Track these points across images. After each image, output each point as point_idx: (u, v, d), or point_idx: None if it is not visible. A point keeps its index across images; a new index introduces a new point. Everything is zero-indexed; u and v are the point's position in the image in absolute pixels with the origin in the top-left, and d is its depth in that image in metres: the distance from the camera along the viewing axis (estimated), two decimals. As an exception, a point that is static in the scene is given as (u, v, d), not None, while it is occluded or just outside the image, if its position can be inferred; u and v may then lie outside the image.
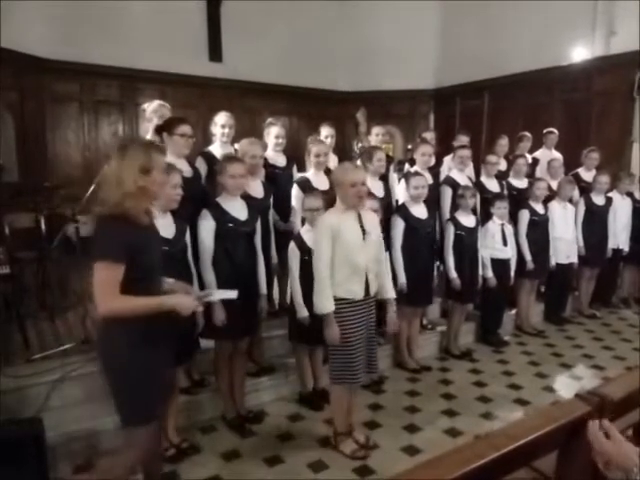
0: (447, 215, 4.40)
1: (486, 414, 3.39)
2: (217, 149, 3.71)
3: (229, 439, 3.06)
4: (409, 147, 6.27)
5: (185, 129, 3.17)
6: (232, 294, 2.27)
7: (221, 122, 3.74)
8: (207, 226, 2.84)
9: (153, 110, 3.75)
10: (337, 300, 2.73)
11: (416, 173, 3.98)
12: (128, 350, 1.96)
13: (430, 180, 4.16)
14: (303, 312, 3.19)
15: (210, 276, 2.85)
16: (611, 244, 5.45)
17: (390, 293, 2.96)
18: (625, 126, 6.86)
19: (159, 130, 3.20)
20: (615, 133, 6.91)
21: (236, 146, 4.35)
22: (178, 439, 2.89)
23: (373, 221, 2.84)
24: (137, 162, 1.91)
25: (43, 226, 4.31)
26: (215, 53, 8.25)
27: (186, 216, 2.93)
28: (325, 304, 2.71)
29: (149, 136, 3.61)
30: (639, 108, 6.68)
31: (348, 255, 2.69)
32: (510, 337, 4.84)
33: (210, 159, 3.58)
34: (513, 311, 5.04)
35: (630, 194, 5.70)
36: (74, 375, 3.10)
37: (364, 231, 2.73)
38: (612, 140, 6.84)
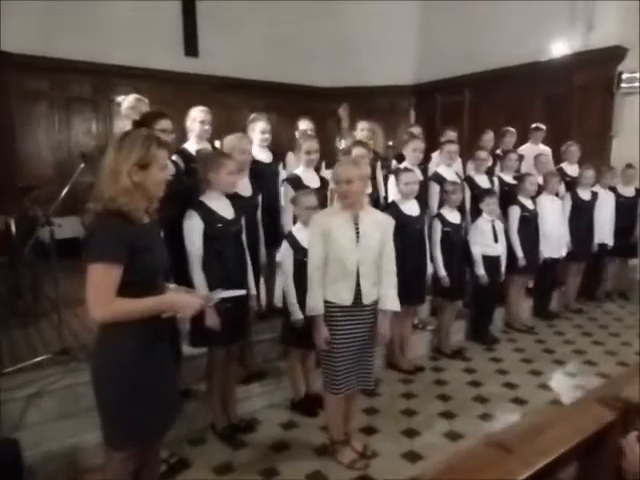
0: (435, 212, 4.31)
1: (484, 415, 3.30)
2: (193, 146, 3.50)
3: (220, 451, 2.90)
4: (390, 143, 6.16)
5: (165, 124, 2.99)
6: (240, 292, 2.15)
7: (200, 118, 3.51)
8: (195, 227, 2.67)
9: (130, 106, 3.52)
10: (325, 303, 2.60)
11: (406, 169, 3.87)
12: (127, 363, 1.78)
13: (420, 176, 4.06)
14: (297, 314, 3.05)
15: (200, 280, 2.68)
16: (597, 239, 5.46)
17: (388, 305, 2.70)
18: (605, 121, 6.91)
19: (137, 125, 3.00)
20: (595, 128, 6.96)
21: (217, 143, 4.19)
22: (166, 453, 2.71)
23: (375, 225, 2.65)
24: (134, 155, 1.74)
25: (14, 229, 4.08)
26: (191, 48, 8.02)
27: (167, 217, 2.76)
28: (314, 306, 2.60)
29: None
30: (620, 103, 6.74)
31: (338, 257, 2.56)
32: (500, 334, 4.79)
33: (186, 157, 3.39)
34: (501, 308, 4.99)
35: (613, 188, 5.73)
36: (52, 389, 2.89)
37: (358, 234, 2.58)
38: (592, 135, 6.88)
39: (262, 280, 3.77)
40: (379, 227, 2.67)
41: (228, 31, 8.06)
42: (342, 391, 2.64)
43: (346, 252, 2.55)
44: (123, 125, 3.63)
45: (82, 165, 3.29)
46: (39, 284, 4.27)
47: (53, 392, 2.90)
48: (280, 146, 4.39)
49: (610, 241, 5.58)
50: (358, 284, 2.58)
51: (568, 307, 5.54)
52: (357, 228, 2.58)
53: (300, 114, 5.97)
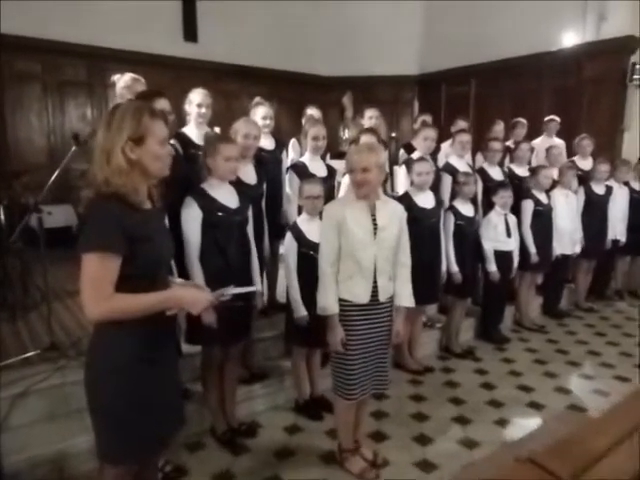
0: (447, 204, 4.10)
1: (500, 421, 3.11)
2: (192, 130, 3.26)
3: (220, 457, 2.70)
4: (393, 135, 5.95)
5: (163, 104, 2.77)
6: (252, 288, 2.01)
7: (197, 101, 3.28)
8: (193, 216, 2.45)
9: (125, 85, 3.28)
10: (339, 301, 2.39)
11: (420, 159, 3.66)
12: (125, 367, 1.57)
13: (433, 166, 3.86)
14: (301, 311, 2.86)
15: (198, 273, 2.47)
16: (610, 235, 5.28)
17: (404, 301, 2.53)
18: (616, 114, 6.71)
19: (131, 104, 2.78)
20: (606, 121, 6.76)
21: (216, 129, 3.97)
22: (161, 461, 2.51)
23: (392, 216, 2.45)
24: (125, 128, 1.52)
25: (2, 216, 3.87)
26: (190, 33, 7.78)
27: (166, 205, 2.54)
28: (327, 304, 2.37)
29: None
30: (632, 95, 6.55)
31: (353, 251, 2.35)
32: (509, 333, 4.61)
33: (185, 142, 3.18)
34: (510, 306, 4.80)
35: (626, 183, 5.54)
36: (39, 388, 2.68)
37: (376, 226, 2.37)
38: (603, 128, 6.67)
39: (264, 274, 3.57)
40: (396, 218, 2.47)
41: (228, 17, 7.82)
42: (357, 397, 2.44)
43: (362, 246, 2.34)
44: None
45: (74, 148, 3.07)
46: (29, 274, 4.06)
47: (40, 392, 2.69)
48: (279, 135, 4.18)
49: (623, 237, 5.40)
50: (374, 280, 2.38)
51: (578, 305, 5.36)
52: (374, 220, 2.37)
53: (301, 103, 5.75)
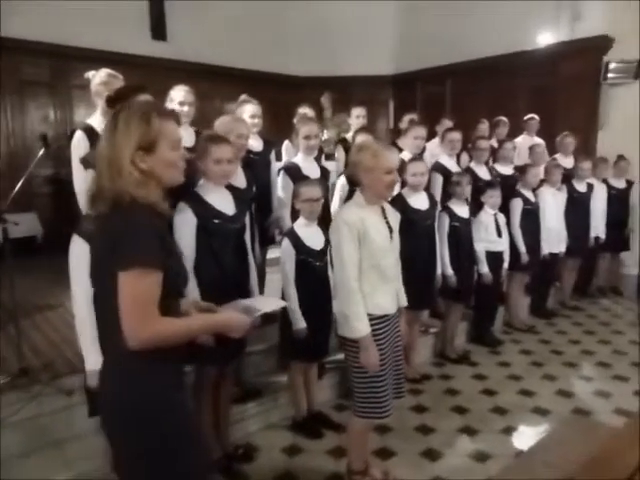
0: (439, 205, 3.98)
1: (508, 429, 2.99)
2: None
3: (217, 486, 2.49)
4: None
5: (146, 99, 2.53)
6: (279, 303, 1.86)
7: (179, 99, 3.10)
8: (187, 223, 2.23)
9: (101, 82, 3.01)
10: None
11: (414, 158, 3.52)
12: (173, 404, 1.36)
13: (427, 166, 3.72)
14: (300, 323, 2.69)
15: (192, 285, 2.25)
16: (592, 232, 5.28)
17: (404, 301, 2.43)
18: (592, 112, 6.76)
19: (111, 102, 2.52)
20: (582, 120, 6.80)
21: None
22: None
23: (396, 217, 2.34)
24: (133, 135, 1.31)
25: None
26: (158, 31, 7.46)
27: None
28: (359, 324, 2.14)
29: (98, 115, 2.93)
30: (606, 94, 6.61)
31: (376, 261, 2.17)
32: (501, 334, 4.53)
33: None
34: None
35: (604, 180, 5.56)
36: (12, 421, 2.40)
37: (390, 229, 2.23)
38: (579, 127, 6.68)
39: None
40: (396, 220, 2.36)
41: (198, 14, 7.54)
42: (390, 412, 2.29)
43: (384, 253, 2.19)
44: (94, 105, 3.12)
45: (42, 151, 2.79)
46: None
47: (14, 425, 2.41)
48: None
49: (603, 234, 5.42)
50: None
51: (564, 304, 5.35)
52: (387, 223, 2.22)
53: (275, 103, 5.53)
